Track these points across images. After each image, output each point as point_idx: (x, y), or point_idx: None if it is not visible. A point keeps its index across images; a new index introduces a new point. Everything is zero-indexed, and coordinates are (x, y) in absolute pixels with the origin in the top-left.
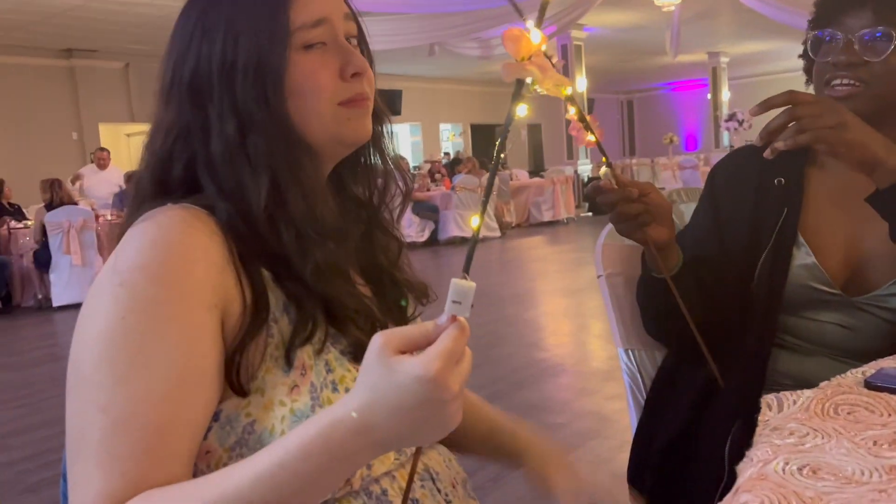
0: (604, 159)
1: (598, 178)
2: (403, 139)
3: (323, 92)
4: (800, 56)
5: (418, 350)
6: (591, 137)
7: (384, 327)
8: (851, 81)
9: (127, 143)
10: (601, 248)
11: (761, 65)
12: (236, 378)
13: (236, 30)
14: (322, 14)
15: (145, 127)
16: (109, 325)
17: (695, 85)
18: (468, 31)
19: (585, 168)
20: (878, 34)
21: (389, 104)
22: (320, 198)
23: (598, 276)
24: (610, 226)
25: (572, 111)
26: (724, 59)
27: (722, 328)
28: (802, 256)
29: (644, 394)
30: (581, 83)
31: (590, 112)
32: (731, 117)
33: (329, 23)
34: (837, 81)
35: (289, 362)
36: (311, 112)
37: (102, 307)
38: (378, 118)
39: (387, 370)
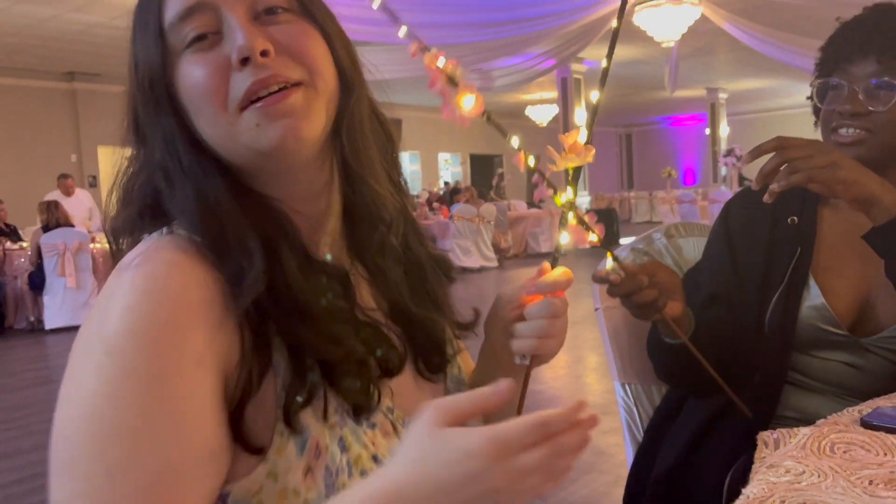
0: (609, 254)
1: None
2: (403, 168)
3: (210, 98)
4: (808, 98)
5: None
6: (592, 237)
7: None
8: (857, 130)
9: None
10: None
11: (760, 101)
12: (244, 438)
13: (135, 49)
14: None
15: None
16: (97, 402)
17: (693, 120)
18: (470, 63)
19: (584, 200)
20: (882, 84)
21: None
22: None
23: (596, 309)
24: (608, 259)
25: (570, 216)
26: (722, 95)
27: (733, 364)
28: (813, 297)
29: (640, 428)
30: (580, 116)
31: (588, 142)
32: (730, 153)
33: (207, 6)
34: (844, 130)
35: (293, 429)
36: (213, 127)
37: (89, 380)
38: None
39: (435, 443)
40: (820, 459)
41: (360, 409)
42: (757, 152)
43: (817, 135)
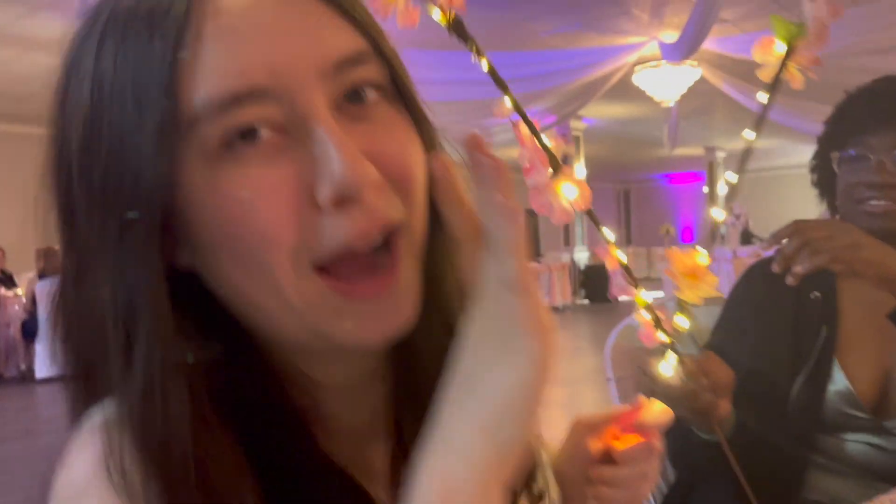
0: (677, 359)
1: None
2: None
3: (271, 245)
4: (812, 169)
5: None
6: (662, 337)
7: None
8: (888, 201)
9: None
10: (610, 351)
11: (758, 161)
12: None
13: (101, 125)
14: (263, 71)
15: None
16: None
17: (691, 177)
18: (470, 119)
19: (582, 256)
20: None
21: None
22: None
23: (608, 380)
24: (621, 326)
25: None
26: (720, 154)
27: (759, 446)
28: (837, 381)
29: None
30: (580, 172)
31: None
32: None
33: (273, 93)
34: (874, 202)
35: None
36: (260, 289)
37: None
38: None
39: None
40: None
41: None
42: (776, 238)
43: (810, 196)
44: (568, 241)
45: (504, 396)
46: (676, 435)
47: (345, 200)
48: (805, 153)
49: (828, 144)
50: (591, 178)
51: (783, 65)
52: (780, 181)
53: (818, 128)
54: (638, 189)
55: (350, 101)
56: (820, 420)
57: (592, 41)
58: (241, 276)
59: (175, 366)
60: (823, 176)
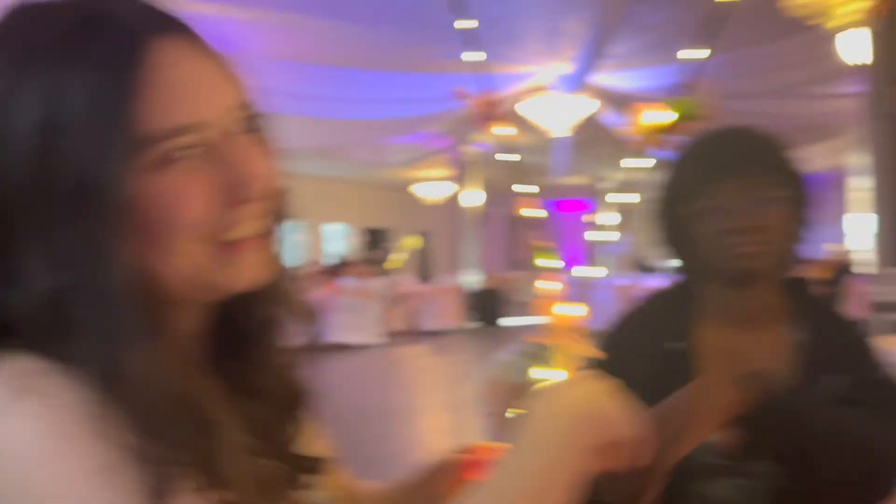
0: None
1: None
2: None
3: (190, 227)
4: (660, 228)
5: None
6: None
7: None
8: (756, 245)
9: None
10: (489, 385)
11: (648, 191)
12: None
13: (56, 122)
14: (199, 117)
15: None
16: None
17: (579, 205)
18: (364, 139)
19: (472, 279)
20: (759, 199)
21: None
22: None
23: (487, 414)
24: (499, 361)
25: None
26: (606, 184)
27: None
28: None
29: None
30: (473, 196)
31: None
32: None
33: (209, 126)
34: (745, 248)
35: None
36: (168, 253)
37: None
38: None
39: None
40: None
41: None
42: None
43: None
44: (459, 265)
45: None
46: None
47: (245, 200)
48: None
49: (678, 199)
50: (487, 203)
51: (666, 131)
52: None
53: None
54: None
55: (246, 131)
56: (687, 470)
57: (488, 68)
58: (152, 249)
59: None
60: (674, 232)
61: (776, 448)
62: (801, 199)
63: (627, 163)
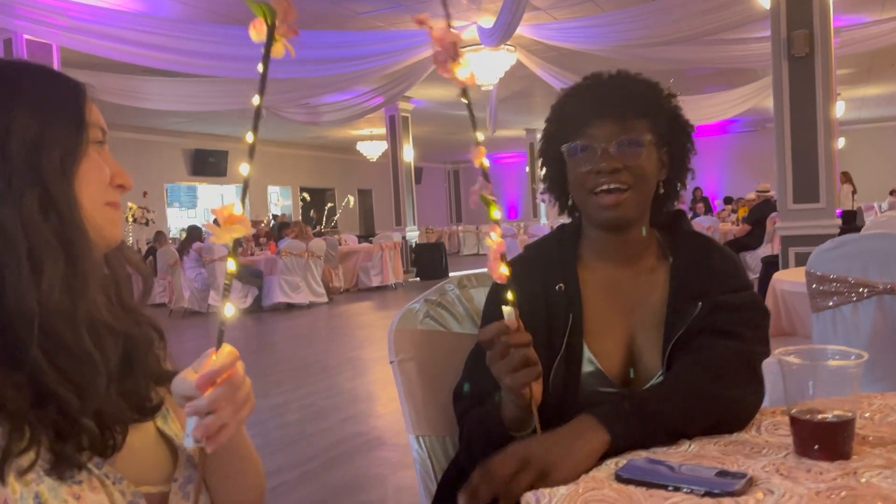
0: (510, 297)
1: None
2: (229, 201)
3: (102, 187)
4: (542, 167)
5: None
6: (504, 270)
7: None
8: (617, 185)
9: None
10: (393, 335)
11: None
12: None
13: (41, 108)
14: (103, 124)
15: None
16: None
17: (515, 158)
18: (294, 99)
19: (413, 234)
20: (628, 141)
21: (215, 165)
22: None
23: (391, 362)
24: (403, 311)
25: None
26: (539, 135)
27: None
28: (587, 364)
29: (434, 480)
30: (408, 153)
31: (418, 182)
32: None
33: (105, 133)
34: (605, 187)
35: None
36: (88, 202)
37: None
38: None
39: None
40: None
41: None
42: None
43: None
44: (400, 221)
45: None
46: (484, 441)
47: (121, 188)
48: None
49: (555, 140)
50: (421, 158)
51: (270, 40)
52: None
53: None
54: (466, 169)
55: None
56: (578, 400)
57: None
58: (82, 197)
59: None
60: (552, 172)
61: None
62: (676, 145)
63: None
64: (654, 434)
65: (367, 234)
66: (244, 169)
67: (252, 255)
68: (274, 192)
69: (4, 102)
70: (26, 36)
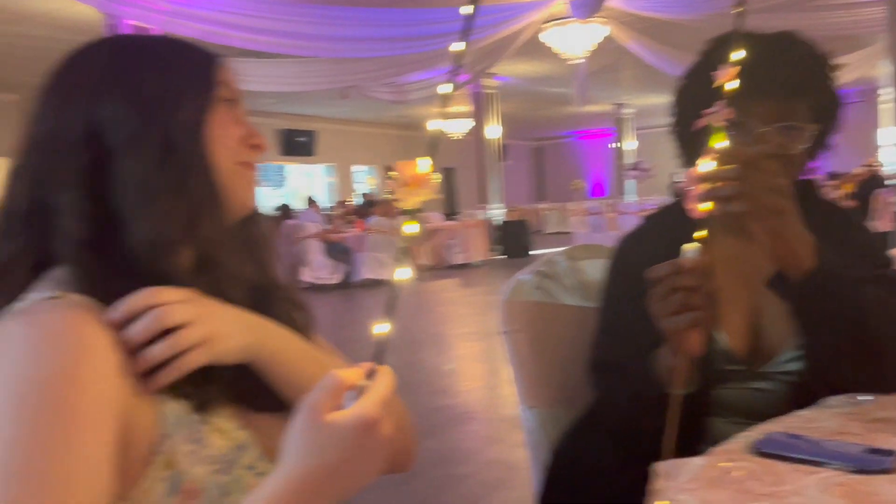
0: (701, 235)
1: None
2: (317, 180)
3: (232, 144)
4: (673, 129)
5: (338, 403)
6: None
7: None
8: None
9: None
10: (504, 305)
11: (664, 117)
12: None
13: (167, 65)
14: (235, 85)
15: None
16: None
17: (602, 134)
18: (381, 77)
19: (498, 212)
20: (786, 127)
21: (303, 145)
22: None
23: (502, 333)
24: (514, 281)
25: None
26: (628, 111)
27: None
28: (718, 340)
29: (547, 453)
30: (494, 130)
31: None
32: (635, 166)
33: (239, 92)
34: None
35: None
36: (221, 161)
37: None
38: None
39: (327, 431)
40: (712, 491)
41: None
42: (712, 177)
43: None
44: (484, 199)
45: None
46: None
47: (256, 147)
48: None
49: (698, 101)
50: (507, 136)
51: None
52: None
53: None
54: (551, 146)
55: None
56: (703, 377)
57: None
58: (212, 154)
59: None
60: (684, 125)
61: (826, 320)
62: (827, 122)
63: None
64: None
65: (450, 212)
66: (434, 125)
67: (341, 232)
68: (359, 171)
69: (134, 60)
70: (130, 21)
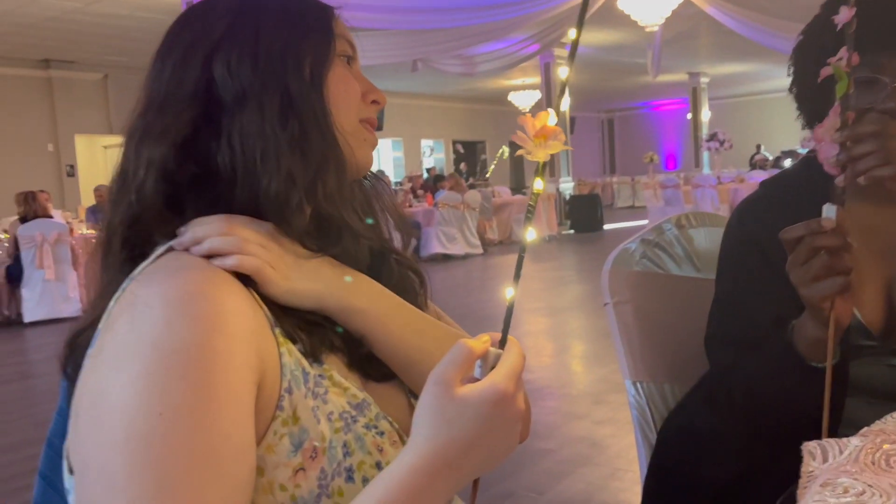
0: (839, 192)
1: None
2: (385, 154)
3: (353, 101)
4: (794, 90)
5: (469, 375)
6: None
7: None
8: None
9: (104, 155)
10: (608, 275)
11: (741, 86)
12: None
13: (286, 19)
14: (352, 40)
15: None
16: (143, 423)
17: (675, 104)
18: (451, 49)
19: (567, 186)
20: None
21: None
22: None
23: (605, 304)
24: (617, 251)
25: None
26: (704, 80)
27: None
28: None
29: (653, 428)
30: (563, 102)
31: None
32: (712, 137)
33: (354, 49)
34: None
35: (316, 360)
36: (341, 116)
37: (129, 396)
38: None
39: (460, 405)
40: (878, 475)
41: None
42: (855, 136)
43: (791, 122)
44: (553, 173)
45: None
46: (784, 378)
47: (374, 103)
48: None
49: (824, 52)
50: (575, 108)
51: None
52: (765, 105)
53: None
54: (622, 118)
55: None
56: (843, 354)
57: None
58: (334, 110)
59: None
60: (805, 79)
61: None
62: None
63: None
64: None
65: (518, 187)
66: (563, 72)
67: (410, 206)
68: (427, 145)
69: (252, 15)
70: None
